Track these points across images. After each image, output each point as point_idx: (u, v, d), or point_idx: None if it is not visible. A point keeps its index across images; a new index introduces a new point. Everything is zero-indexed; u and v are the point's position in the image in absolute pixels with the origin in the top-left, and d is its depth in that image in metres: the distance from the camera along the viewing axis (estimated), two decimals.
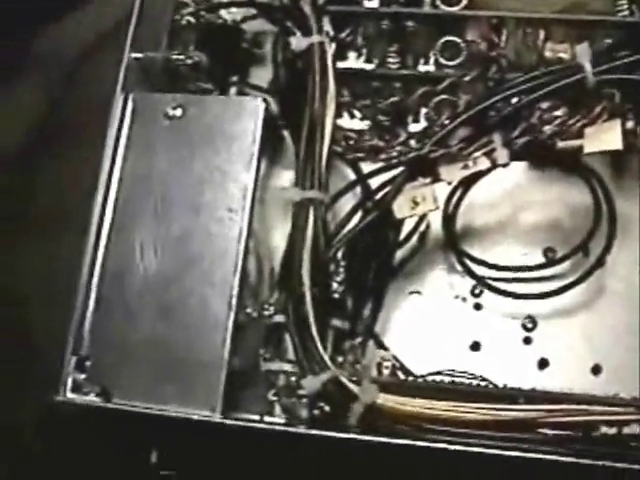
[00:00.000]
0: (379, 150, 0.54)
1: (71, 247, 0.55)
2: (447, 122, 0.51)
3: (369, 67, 0.58)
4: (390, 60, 0.58)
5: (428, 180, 0.51)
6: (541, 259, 0.57)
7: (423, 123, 0.57)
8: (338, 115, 0.56)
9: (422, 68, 0.58)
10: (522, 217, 0.58)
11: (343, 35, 0.58)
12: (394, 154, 0.53)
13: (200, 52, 0.56)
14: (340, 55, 0.58)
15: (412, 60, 0.58)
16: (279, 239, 0.55)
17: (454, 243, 0.56)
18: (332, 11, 0.57)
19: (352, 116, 0.58)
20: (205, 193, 0.52)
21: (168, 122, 0.54)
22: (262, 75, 0.61)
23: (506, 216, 0.58)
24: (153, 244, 0.52)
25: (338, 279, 0.51)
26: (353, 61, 0.59)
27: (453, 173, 0.50)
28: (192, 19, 0.56)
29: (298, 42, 0.53)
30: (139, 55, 0.55)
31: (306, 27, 0.53)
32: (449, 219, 0.55)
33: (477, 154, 0.50)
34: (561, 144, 0.50)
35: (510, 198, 0.58)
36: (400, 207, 0.51)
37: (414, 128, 0.57)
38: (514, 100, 0.52)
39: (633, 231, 0.57)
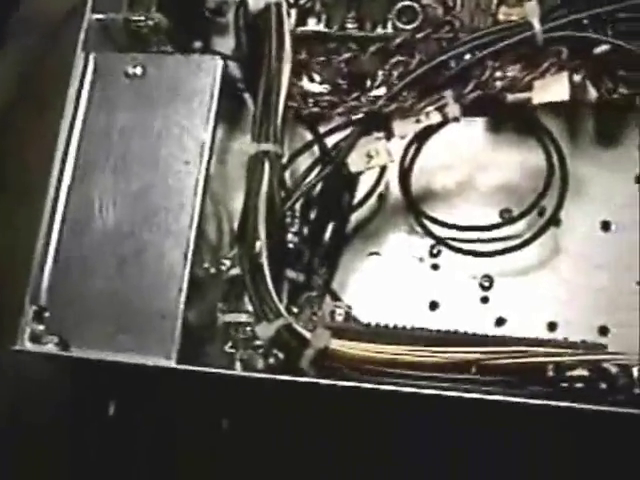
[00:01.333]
0: (334, 105, 0.55)
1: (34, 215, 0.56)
2: (397, 78, 0.52)
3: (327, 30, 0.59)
4: (349, 25, 0.59)
5: (382, 135, 0.52)
6: (498, 220, 0.58)
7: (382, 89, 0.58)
8: (297, 77, 0.57)
9: (379, 31, 0.59)
10: (479, 179, 0.59)
11: (302, 1, 0.59)
12: (348, 108, 0.54)
13: (161, 14, 0.57)
14: (300, 21, 0.59)
15: (370, 25, 0.59)
16: (238, 200, 0.56)
17: (410, 201, 0.57)
18: None
19: (311, 79, 0.59)
20: (163, 148, 0.53)
21: (128, 81, 0.55)
22: (224, 44, 0.62)
23: (463, 178, 0.59)
24: (112, 198, 0.53)
25: (293, 229, 0.52)
26: (313, 27, 0.60)
27: (406, 127, 0.52)
28: None
29: (256, 2, 0.54)
30: (100, 16, 0.56)
31: None
32: (405, 175, 0.56)
33: (429, 109, 0.51)
34: (511, 97, 0.51)
35: (467, 160, 0.59)
36: (354, 161, 0.52)
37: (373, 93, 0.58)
38: (466, 58, 0.53)
39: (587, 191, 0.58)
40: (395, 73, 0.56)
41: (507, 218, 0.58)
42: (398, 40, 0.55)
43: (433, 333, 0.50)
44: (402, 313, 0.56)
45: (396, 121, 0.52)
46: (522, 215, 0.57)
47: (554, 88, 0.50)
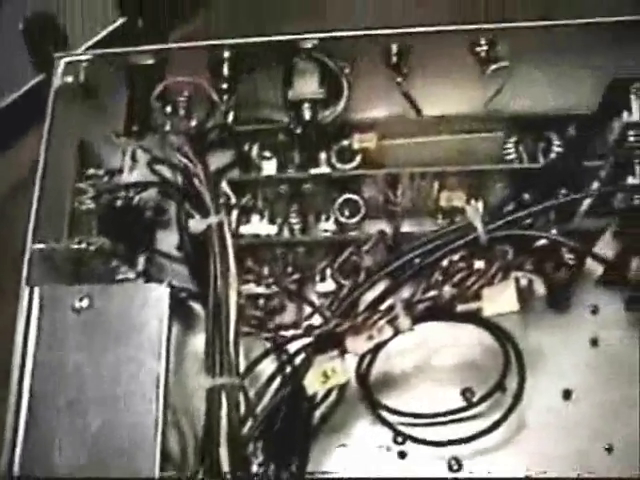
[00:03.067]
0: (287, 327, 0.54)
1: None
2: (348, 291, 0.52)
3: (272, 230, 0.59)
4: (292, 221, 0.59)
5: (336, 352, 0.52)
6: (460, 400, 0.58)
7: (330, 283, 0.58)
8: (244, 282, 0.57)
9: (323, 225, 0.59)
10: (437, 361, 0.59)
11: (244, 200, 0.59)
12: (303, 329, 0.53)
13: (102, 236, 0.57)
14: (242, 218, 0.59)
15: (314, 218, 0.60)
16: (199, 402, 0.55)
17: (370, 400, 0.57)
18: (231, 181, 0.58)
19: (258, 284, 0.58)
20: (118, 384, 0.52)
21: (75, 315, 0.54)
22: (169, 240, 0.62)
23: (421, 362, 0.59)
24: (70, 438, 0.52)
25: (258, 461, 0.51)
26: (256, 224, 0.59)
27: (359, 345, 0.51)
28: (91, 204, 0.57)
29: (196, 224, 0.54)
30: (42, 246, 0.55)
31: (203, 208, 0.54)
32: (362, 378, 0.56)
33: (381, 323, 0.51)
34: (461, 307, 0.51)
35: (423, 344, 0.59)
36: (311, 382, 0.51)
37: (321, 288, 0.59)
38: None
39: (545, 361, 0.58)
40: (344, 272, 0.57)
41: (469, 400, 0.58)
42: (346, 254, 0.55)
43: None
44: None
45: (349, 339, 0.51)
46: (484, 398, 0.57)
47: (503, 298, 0.50)
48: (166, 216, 0.62)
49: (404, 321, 0.51)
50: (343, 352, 0.52)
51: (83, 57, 0.59)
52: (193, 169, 0.55)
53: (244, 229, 0.59)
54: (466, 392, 0.59)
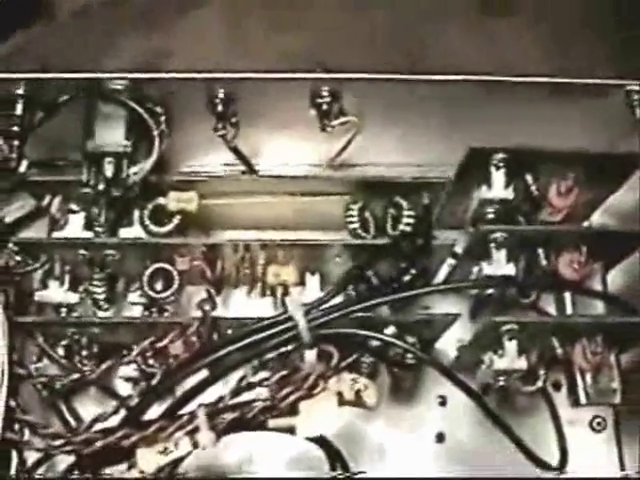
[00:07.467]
0: (57, 436, 0.45)
1: None
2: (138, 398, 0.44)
3: (72, 299, 0.50)
4: (95, 290, 0.50)
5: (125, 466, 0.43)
6: None
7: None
8: None
9: (132, 297, 0.51)
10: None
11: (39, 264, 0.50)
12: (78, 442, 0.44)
13: None
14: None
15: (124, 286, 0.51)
16: None
17: None
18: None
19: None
20: None
21: None
22: None
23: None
24: None
25: None
26: (54, 291, 0.50)
27: (150, 461, 0.43)
28: None
29: None
30: None
31: None
32: None
33: (179, 434, 0.43)
34: (272, 424, 0.43)
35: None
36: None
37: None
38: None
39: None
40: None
41: None
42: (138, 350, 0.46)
43: None
44: None
45: (140, 451, 0.43)
46: None
47: (322, 414, 0.42)
48: None
49: (206, 436, 0.43)
50: (131, 467, 0.43)
51: None
52: None
53: (39, 295, 0.50)
54: None
